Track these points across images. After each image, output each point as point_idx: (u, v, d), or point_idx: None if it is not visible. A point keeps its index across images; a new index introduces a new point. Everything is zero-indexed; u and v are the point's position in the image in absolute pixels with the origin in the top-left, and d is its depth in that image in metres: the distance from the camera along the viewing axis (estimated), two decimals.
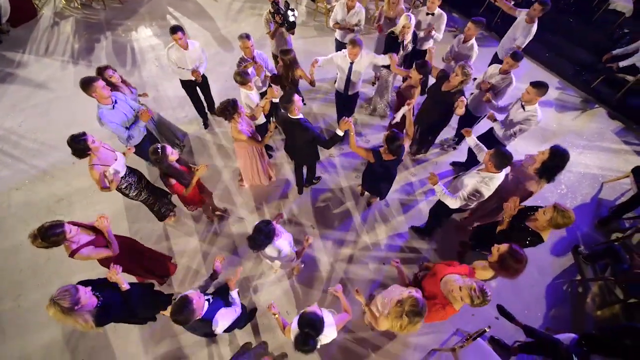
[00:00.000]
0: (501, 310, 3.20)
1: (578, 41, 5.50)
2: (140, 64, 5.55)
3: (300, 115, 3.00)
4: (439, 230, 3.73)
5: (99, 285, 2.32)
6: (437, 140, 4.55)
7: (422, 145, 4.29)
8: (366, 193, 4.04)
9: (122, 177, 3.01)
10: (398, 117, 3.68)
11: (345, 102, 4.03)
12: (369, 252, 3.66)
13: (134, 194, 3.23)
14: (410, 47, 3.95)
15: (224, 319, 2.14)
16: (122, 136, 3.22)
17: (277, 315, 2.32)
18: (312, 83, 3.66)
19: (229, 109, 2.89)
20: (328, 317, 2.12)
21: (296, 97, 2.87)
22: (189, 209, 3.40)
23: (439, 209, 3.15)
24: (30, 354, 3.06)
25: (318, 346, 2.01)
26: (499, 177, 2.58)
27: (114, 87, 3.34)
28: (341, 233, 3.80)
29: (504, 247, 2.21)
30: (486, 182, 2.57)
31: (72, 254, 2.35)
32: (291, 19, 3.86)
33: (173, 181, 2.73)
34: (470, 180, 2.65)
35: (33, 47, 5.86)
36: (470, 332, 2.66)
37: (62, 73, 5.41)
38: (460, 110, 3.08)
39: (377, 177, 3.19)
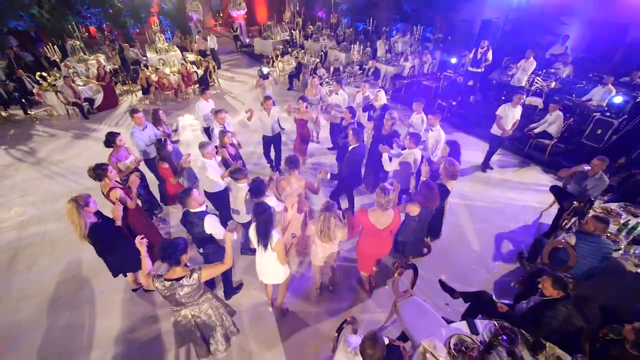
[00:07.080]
0: (443, 285, 3.52)
1: None
2: (180, 131, 7.56)
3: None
4: None
5: (102, 216, 3.15)
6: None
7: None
8: None
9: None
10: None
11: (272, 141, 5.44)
12: None
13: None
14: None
15: (213, 221, 2.84)
16: (140, 149, 4.52)
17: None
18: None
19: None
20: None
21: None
22: (169, 203, 4.30)
23: None
24: None
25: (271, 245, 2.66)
26: (418, 151, 3.82)
27: (159, 121, 4.90)
28: None
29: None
30: (412, 154, 3.77)
31: (109, 190, 3.29)
32: (264, 71, 5.95)
33: (166, 165, 3.75)
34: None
35: (107, 121, 8.20)
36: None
37: (123, 135, 7.37)
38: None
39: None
